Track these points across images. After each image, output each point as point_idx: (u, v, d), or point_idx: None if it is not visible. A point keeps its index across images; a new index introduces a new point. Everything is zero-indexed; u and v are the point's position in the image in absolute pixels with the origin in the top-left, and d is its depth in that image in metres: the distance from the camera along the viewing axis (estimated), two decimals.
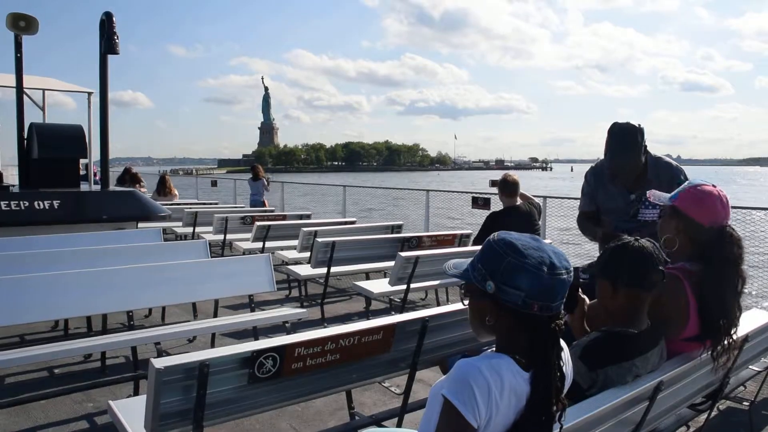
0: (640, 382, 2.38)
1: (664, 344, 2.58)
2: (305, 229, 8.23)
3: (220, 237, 10.21)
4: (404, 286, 6.42)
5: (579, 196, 4.35)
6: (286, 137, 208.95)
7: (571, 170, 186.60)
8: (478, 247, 5.91)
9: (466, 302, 1.79)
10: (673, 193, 2.85)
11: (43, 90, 12.14)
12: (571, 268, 1.67)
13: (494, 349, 1.72)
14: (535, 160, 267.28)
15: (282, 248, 9.09)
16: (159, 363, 2.40)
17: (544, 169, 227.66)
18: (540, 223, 7.54)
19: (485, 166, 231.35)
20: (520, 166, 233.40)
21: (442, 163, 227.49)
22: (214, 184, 20.44)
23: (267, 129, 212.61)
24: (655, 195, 2.92)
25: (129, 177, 14.65)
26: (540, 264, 1.59)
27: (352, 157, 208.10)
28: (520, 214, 6.65)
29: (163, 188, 14.99)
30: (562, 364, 1.67)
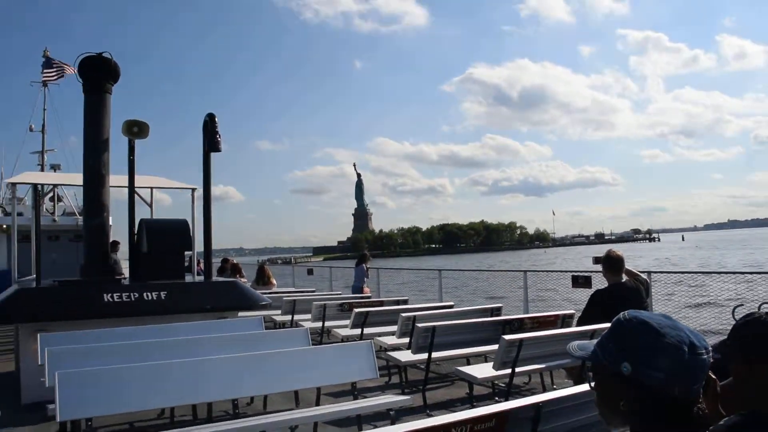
0: None
1: None
2: (404, 314, 8.15)
3: (319, 324, 10.26)
4: (509, 370, 6.19)
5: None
6: (374, 223, 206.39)
7: (683, 239, 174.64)
8: (585, 328, 5.63)
9: (593, 385, 1.66)
10: None
11: (152, 188, 12.89)
12: (710, 348, 1.53)
13: None
14: (637, 231, 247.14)
15: (380, 334, 9.01)
16: None
17: (651, 239, 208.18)
18: (648, 300, 7.17)
19: (586, 240, 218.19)
20: (623, 238, 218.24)
21: (541, 240, 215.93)
22: (310, 272, 20.79)
23: (361, 215, 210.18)
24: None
25: (230, 267, 15.12)
26: (680, 343, 1.47)
27: (449, 239, 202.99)
28: (627, 292, 6.33)
29: (261, 277, 15.35)
30: None
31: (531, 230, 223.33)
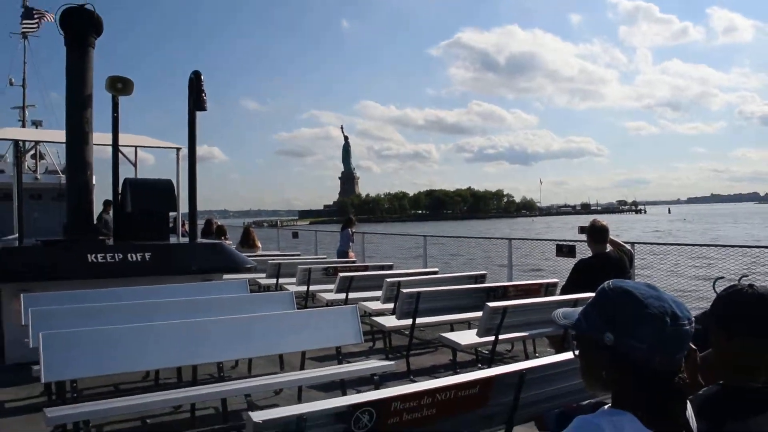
0: None
1: None
2: (389, 279, 8.18)
3: (303, 288, 10.29)
4: (492, 338, 6.25)
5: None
6: (360, 187, 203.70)
7: (669, 212, 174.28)
8: (568, 297, 5.68)
9: (577, 353, 1.66)
10: None
11: (136, 147, 12.73)
12: (692, 319, 1.53)
13: (610, 405, 1.59)
14: (623, 202, 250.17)
15: (365, 299, 9.04)
16: (257, 417, 2.36)
17: (637, 211, 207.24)
18: (631, 271, 7.23)
19: (573, 210, 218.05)
20: (608, 209, 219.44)
21: (528, 208, 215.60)
22: (295, 235, 20.76)
23: (348, 178, 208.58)
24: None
25: (215, 229, 15.06)
26: (663, 314, 1.47)
27: (436, 205, 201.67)
28: (611, 262, 6.37)
29: (247, 240, 15.32)
30: (689, 420, 1.53)
31: (517, 198, 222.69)
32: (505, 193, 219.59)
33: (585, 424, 1.46)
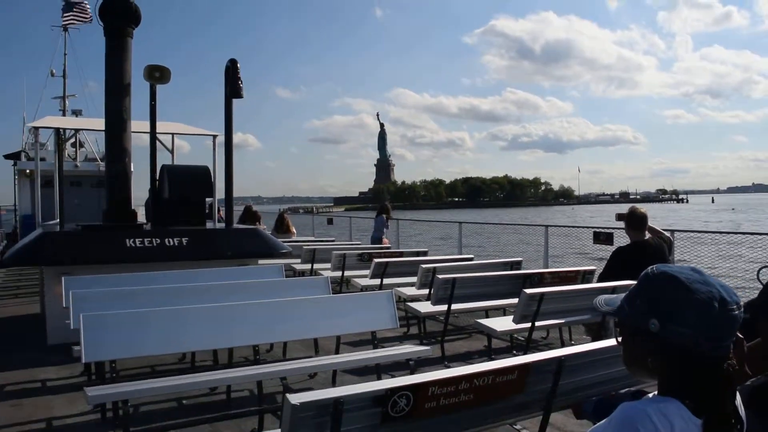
0: None
1: None
2: (424, 266, 8.16)
3: (338, 273, 10.31)
4: (528, 324, 6.18)
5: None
6: (395, 175, 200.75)
7: (713, 201, 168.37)
8: (606, 284, 5.56)
9: (619, 340, 1.61)
10: None
11: (173, 134, 12.88)
12: (741, 303, 1.47)
13: (656, 392, 1.54)
14: (663, 191, 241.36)
15: (399, 285, 9.02)
16: (295, 399, 2.35)
17: (678, 200, 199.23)
18: (671, 258, 7.09)
19: (612, 199, 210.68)
20: (648, 198, 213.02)
21: (566, 197, 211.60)
22: (330, 221, 20.86)
23: (383, 166, 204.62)
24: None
25: (249, 215, 15.16)
26: (710, 299, 1.41)
27: (472, 193, 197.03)
28: (650, 249, 6.24)
29: (281, 226, 15.39)
30: (738, 409, 1.47)
31: (555, 187, 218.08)
32: (542, 181, 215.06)
33: (632, 411, 1.41)
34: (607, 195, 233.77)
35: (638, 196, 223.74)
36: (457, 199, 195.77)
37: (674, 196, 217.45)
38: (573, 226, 12.75)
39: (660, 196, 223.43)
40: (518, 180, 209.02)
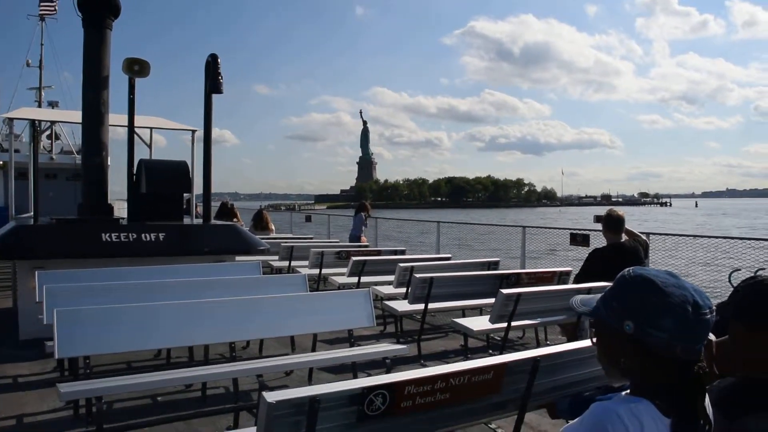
0: None
1: None
2: (402, 264, 8.17)
3: (316, 271, 10.29)
4: (505, 324, 6.22)
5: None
6: (377, 173, 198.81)
7: (696, 205, 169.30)
8: (582, 285, 5.59)
9: (594, 340, 1.64)
10: None
11: (151, 128, 12.75)
12: (713, 308, 1.51)
13: (628, 392, 1.56)
14: (644, 195, 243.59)
15: (377, 283, 9.03)
16: (270, 397, 2.34)
17: (662, 204, 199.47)
18: (647, 261, 7.17)
19: (595, 201, 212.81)
20: (630, 201, 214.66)
21: (549, 198, 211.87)
22: (308, 219, 20.81)
23: (366, 164, 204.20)
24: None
25: (227, 211, 15.09)
26: (684, 303, 1.45)
27: (456, 193, 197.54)
28: (626, 252, 6.31)
29: (260, 223, 15.34)
30: (707, 410, 1.50)
31: (538, 188, 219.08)
32: (526, 182, 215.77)
33: (602, 410, 1.44)
34: (590, 197, 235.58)
35: (620, 199, 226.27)
36: (440, 199, 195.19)
37: (656, 200, 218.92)
38: (550, 228, 12.82)
39: (641, 200, 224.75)
40: (501, 181, 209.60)
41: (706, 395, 1.56)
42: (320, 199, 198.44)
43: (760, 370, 2.23)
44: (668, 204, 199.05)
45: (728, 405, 2.18)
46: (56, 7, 26.83)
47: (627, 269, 1.62)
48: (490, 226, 15.46)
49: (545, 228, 12.82)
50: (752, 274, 2.34)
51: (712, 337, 2.53)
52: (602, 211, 6.80)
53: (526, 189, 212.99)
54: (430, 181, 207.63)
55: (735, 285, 2.91)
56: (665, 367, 1.47)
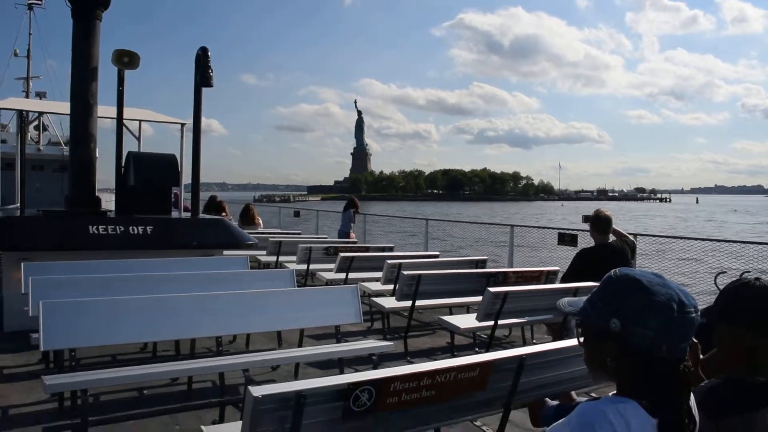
0: None
1: None
2: (390, 261, 8.18)
3: (304, 266, 10.28)
4: (491, 322, 6.25)
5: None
6: (371, 164, 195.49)
7: (697, 201, 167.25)
8: (569, 285, 5.62)
9: (581, 341, 1.66)
10: None
11: (140, 121, 12.69)
12: (698, 307, 1.53)
13: (615, 392, 1.58)
14: (641, 190, 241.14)
15: (365, 280, 9.04)
16: (256, 391, 2.35)
17: (661, 200, 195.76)
18: (633, 262, 7.22)
19: (592, 196, 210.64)
20: (627, 197, 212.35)
21: (546, 192, 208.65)
22: (296, 214, 20.75)
23: (360, 155, 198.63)
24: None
25: (214, 205, 15.02)
26: (669, 302, 1.47)
27: (453, 185, 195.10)
28: (613, 252, 6.35)
29: (247, 217, 15.28)
30: (692, 409, 1.52)
31: (535, 181, 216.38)
32: (523, 175, 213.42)
33: (589, 411, 1.45)
34: (587, 192, 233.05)
35: (617, 194, 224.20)
36: (436, 191, 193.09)
37: (653, 196, 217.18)
38: (539, 227, 12.86)
39: (638, 195, 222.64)
40: (498, 174, 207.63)
41: (692, 395, 1.58)
42: (313, 190, 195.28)
43: (745, 371, 2.26)
44: (668, 200, 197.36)
45: (714, 405, 2.20)
46: None
47: (614, 270, 1.64)
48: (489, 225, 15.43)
49: (529, 226, 12.84)
50: (738, 277, 2.37)
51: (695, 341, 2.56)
52: (602, 206, 6.84)
53: (523, 183, 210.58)
54: (426, 173, 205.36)
55: (720, 287, 2.94)
56: (651, 366, 1.49)
